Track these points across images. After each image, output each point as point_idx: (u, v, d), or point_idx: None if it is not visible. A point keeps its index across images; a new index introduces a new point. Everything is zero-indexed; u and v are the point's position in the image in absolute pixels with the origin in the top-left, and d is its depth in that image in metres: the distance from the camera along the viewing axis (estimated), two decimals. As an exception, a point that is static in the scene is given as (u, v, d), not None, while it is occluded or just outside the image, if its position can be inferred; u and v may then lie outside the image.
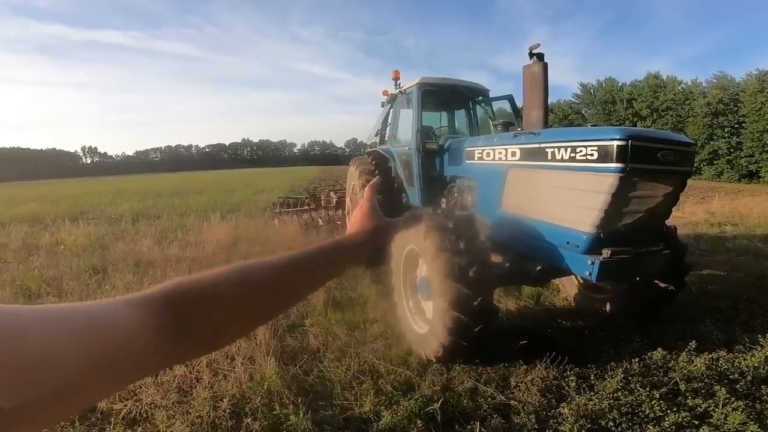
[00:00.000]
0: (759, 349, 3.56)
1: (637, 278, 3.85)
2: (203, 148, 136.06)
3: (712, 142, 36.72)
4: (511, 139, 3.84)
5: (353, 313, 4.69)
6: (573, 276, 4.24)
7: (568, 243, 3.16)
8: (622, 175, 2.75)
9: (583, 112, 50.55)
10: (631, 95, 44.03)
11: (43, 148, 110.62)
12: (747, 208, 13.56)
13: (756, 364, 3.34)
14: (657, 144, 2.84)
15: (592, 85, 49.26)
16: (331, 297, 5.18)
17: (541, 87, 3.70)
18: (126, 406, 2.98)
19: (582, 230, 3.04)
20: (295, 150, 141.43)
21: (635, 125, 43.50)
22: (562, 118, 50.57)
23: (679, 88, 41.08)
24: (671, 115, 39.94)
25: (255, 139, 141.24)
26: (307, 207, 10.65)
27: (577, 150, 2.99)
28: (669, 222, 4.16)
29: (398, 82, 6.27)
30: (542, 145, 3.37)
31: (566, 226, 3.18)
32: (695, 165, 32.60)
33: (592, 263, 2.96)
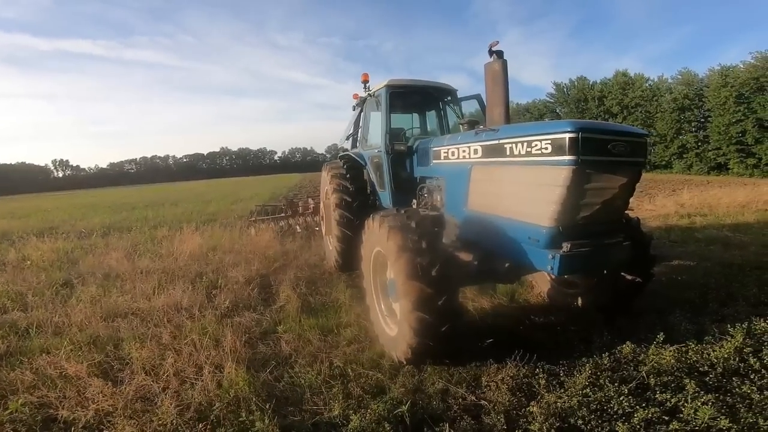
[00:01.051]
0: (729, 339, 3.55)
1: (601, 271, 3.90)
2: (180, 158, 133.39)
3: (680, 137, 37.91)
4: (473, 137, 3.87)
5: (327, 318, 4.65)
6: (545, 272, 4.29)
7: (529, 238, 3.19)
8: (574, 167, 2.79)
9: (557, 110, 51.59)
10: (602, 93, 45.15)
11: (13, 162, 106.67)
12: (715, 198, 13.98)
13: (726, 356, 3.32)
14: (607, 136, 2.90)
15: (566, 84, 50.39)
16: (304, 303, 5.14)
17: (502, 84, 3.74)
18: (86, 414, 2.90)
19: (541, 225, 3.07)
20: (276, 157, 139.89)
21: (607, 122, 44.64)
22: (538, 117, 51.49)
23: (646, 84, 42.32)
24: (640, 112, 41.07)
25: (234, 148, 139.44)
26: (283, 214, 10.56)
27: (533, 144, 3.04)
28: (633, 214, 4.26)
29: (367, 84, 6.21)
30: (501, 142, 3.41)
31: (526, 221, 3.21)
32: (666, 159, 33.36)
33: (553, 257, 2.99)
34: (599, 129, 2.97)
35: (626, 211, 4.27)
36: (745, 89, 31.42)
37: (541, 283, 4.96)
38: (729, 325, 3.80)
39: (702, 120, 37.16)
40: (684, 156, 37.71)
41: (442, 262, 3.08)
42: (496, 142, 3.48)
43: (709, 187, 19.27)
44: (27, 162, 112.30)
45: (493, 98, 3.81)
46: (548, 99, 52.88)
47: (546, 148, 2.93)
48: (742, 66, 32.76)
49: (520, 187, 3.28)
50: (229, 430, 2.73)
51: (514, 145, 3.25)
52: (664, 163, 39.47)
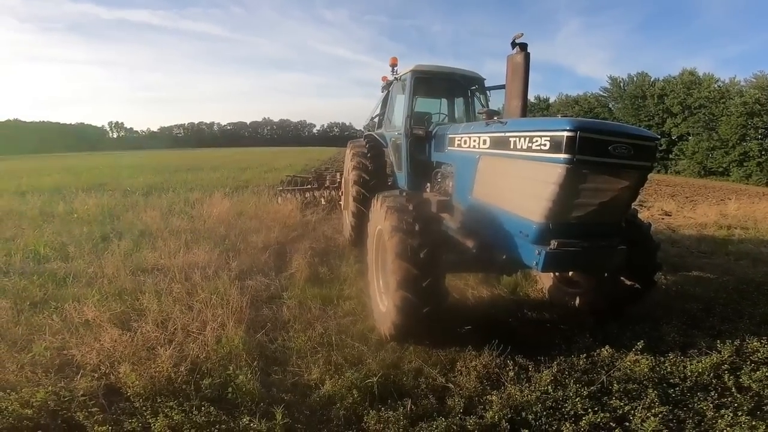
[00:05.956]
0: (712, 354, 3.50)
1: (595, 272, 3.84)
2: (225, 125, 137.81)
3: (744, 143, 35.26)
4: (484, 128, 3.88)
5: (330, 289, 4.87)
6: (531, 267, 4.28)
7: (520, 232, 3.22)
8: (569, 166, 2.78)
9: (610, 106, 49.09)
10: (663, 91, 42.46)
11: (73, 123, 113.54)
12: (764, 213, 13.07)
13: (701, 370, 3.28)
14: (608, 137, 2.84)
15: (623, 79, 47.72)
16: (313, 273, 5.38)
17: (522, 77, 3.71)
18: (97, 358, 3.24)
19: (532, 219, 3.09)
20: (315, 130, 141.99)
21: (664, 121, 42.12)
22: (587, 111, 49.23)
23: (715, 85, 39.44)
24: (703, 113, 38.41)
25: (275, 119, 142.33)
26: (309, 186, 10.86)
27: (534, 140, 3.03)
28: (645, 219, 4.15)
29: (395, 68, 6.37)
30: (506, 134, 3.42)
31: (520, 215, 3.23)
32: (725, 166, 31.27)
33: (539, 253, 3.01)
34: (599, 129, 2.91)
35: (638, 216, 4.18)
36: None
37: (544, 279, 4.95)
38: (719, 341, 3.71)
39: (771, 128, 34.34)
40: (744, 164, 35.12)
41: (431, 246, 3.17)
42: (503, 134, 3.49)
43: (763, 200, 17.93)
44: (86, 123, 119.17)
45: (512, 90, 3.79)
46: (601, 93, 50.38)
47: (545, 145, 2.93)
48: (825, 72, 29.81)
49: (518, 180, 3.30)
50: (215, 381, 2.98)
51: (517, 139, 3.26)
52: (721, 169, 36.95)
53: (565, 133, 2.78)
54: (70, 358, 3.31)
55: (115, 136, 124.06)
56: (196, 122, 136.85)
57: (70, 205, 9.53)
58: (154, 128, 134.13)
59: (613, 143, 2.83)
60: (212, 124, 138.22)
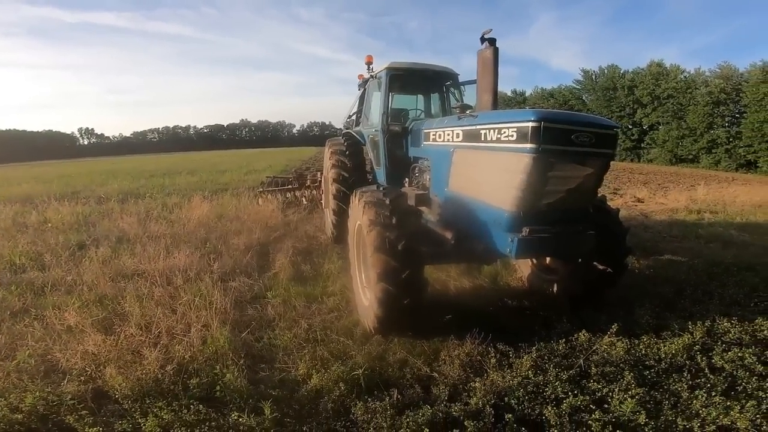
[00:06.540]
0: (684, 335, 3.61)
1: (566, 257, 3.97)
2: (201, 128, 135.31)
3: (711, 131, 36.55)
4: (456, 122, 3.98)
5: (314, 287, 4.91)
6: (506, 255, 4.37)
7: (494, 221, 3.33)
8: (535, 155, 2.91)
9: (584, 98, 50.17)
10: (633, 82, 43.60)
11: (40, 130, 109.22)
12: (732, 196, 13.61)
13: (674, 352, 3.39)
14: (571, 126, 2.98)
15: (594, 71, 48.80)
16: (296, 272, 5.40)
17: (492, 71, 3.80)
18: (82, 363, 3.23)
19: (504, 208, 3.21)
20: (294, 131, 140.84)
21: (635, 112, 43.28)
22: (562, 103, 50.24)
23: (682, 76, 40.68)
24: (672, 103, 39.61)
25: (254, 120, 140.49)
26: (290, 186, 10.83)
27: (502, 131, 3.15)
28: (619, 206, 4.32)
29: (371, 66, 6.51)
30: (477, 127, 3.53)
31: (493, 204, 3.35)
32: (694, 153, 32.35)
33: (512, 240, 3.13)
34: (562, 119, 3.05)
35: (606, 202, 4.35)
36: (787, 87, 29.95)
37: (523, 267, 5.09)
38: (690, 322, 3.83)
39: (736, 115, 35.65)
40: (713, 151, 36.40)
41: (409, 238, 3.25)
42: (474, 127, 3.60)
43: (732, 185, 18.68)
44: (54, 130, 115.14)
45: (483, 85, 3.88)
46: (575, 85, 51.44)
47: (512, 136, 3.05)
48: (787, 63, 31.14)
49: (490, 171, 3.41)
50: (202, 380, 3.01)
51: (488, 131, 3.37)
52: (691, 156, 38.24)
53: (530, 124, 2.90)
54: (55, 364, 3.30)
55: (86, 142, 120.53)
56: (171, 126, 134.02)
57: (43, 215, 9.28)
58: (127, 133, 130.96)
59: (576, 132, 2.96)
60: (188, 127, 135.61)
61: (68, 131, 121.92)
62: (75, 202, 10.90)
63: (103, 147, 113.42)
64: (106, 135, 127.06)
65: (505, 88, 60.76)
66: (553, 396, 2.89)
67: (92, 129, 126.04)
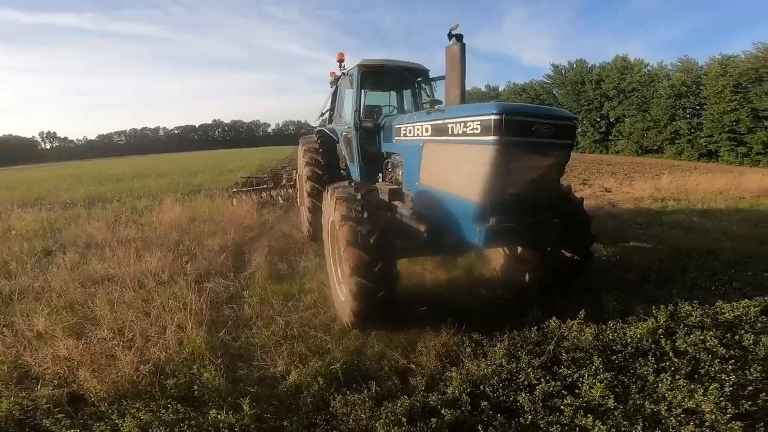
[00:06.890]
0: (649, 320, 3.71)
1: (533, 245, 4.09)
2: (171, 130, 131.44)
3: (674, 123, 38.07)
4: (425, 117, 4.06)
5: (291, 285, 4.91)
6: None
7: (463, 212, 3.43)
8: (498, 147, 3.02)
9: (554, 92, 51.39)
10: (600, 76, 44.92)
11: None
12: (694, 184, 14.21)
13: (639, 336, 3.49)
14: (531, 118, 3.10)
15: (564, 66, 50.03)
16: (273, 270, 5.38)
17: (459, 67, 3.88)
18: (55, 368, 3.18)
19: (472, 199, 3.30)
20: (270, 130, 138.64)
21: (602, 105, 44.61)
22: (534, 97, 51.29)
23: (645, 70, 42.16)
24: (636, 96, 41.03)
25: (227, 120, 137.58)
26: (265, 186, 10.73)
27: (468, 125, 3.25)
28: (587, 195, 4.49)
29: (342, 64, 6.52)
30: (445, 122, 3.61)
31: (462, 196, 3.44)
32: (658, 144, 33.76)
33: (480, 231, 3.23)
34: (523, 112, 3.16)
35: (572, 191, 4.51)
36: (744, 79, 31.45)
37: (496, 258, 5.22)
38: (655, 307, 3.96)
39: (697, 107, 37.24)
40: (676, 142, 37.94)
41: (381, 232, 3.30)
42: (442, 121, 3.68)
43: (694, 174, 19.51)
44: (14, 134, 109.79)
45: (451, 80, 3.95)
46: (546, 80, 52.61)
47: (477, 129, 3.15)
48: (743, 56, 32.69)
49: (457, 164, 3.50)
50: (179, 381, 2.99)
51: (454, 125, 3.46)
52: (655, 147, 39.75)
53: (493, 117, 3.00)
54: (27, 369, 3.24)
55: (48, 146, 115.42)
56: (140, 128, 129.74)
57: (6, 222, 8.91)
58: (92, 137, 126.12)
59: (536, 124, 3.08)
60: (157, 128, 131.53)
61: (29, 135, 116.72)
62: (39, 209, 10.47)
63: (67, 151, 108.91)
64: (69, 138, 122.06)
65: (478, 83, 61.78)
66: (526, 383, 2.97)
67: (54, 132, 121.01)
